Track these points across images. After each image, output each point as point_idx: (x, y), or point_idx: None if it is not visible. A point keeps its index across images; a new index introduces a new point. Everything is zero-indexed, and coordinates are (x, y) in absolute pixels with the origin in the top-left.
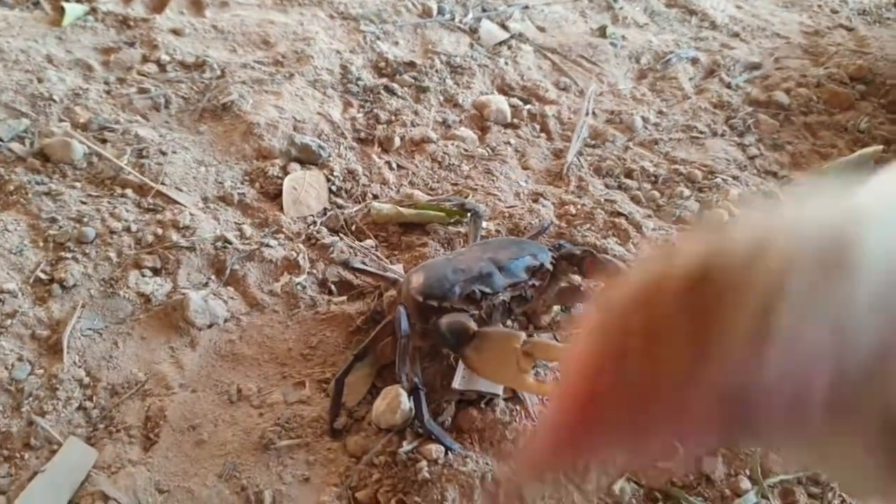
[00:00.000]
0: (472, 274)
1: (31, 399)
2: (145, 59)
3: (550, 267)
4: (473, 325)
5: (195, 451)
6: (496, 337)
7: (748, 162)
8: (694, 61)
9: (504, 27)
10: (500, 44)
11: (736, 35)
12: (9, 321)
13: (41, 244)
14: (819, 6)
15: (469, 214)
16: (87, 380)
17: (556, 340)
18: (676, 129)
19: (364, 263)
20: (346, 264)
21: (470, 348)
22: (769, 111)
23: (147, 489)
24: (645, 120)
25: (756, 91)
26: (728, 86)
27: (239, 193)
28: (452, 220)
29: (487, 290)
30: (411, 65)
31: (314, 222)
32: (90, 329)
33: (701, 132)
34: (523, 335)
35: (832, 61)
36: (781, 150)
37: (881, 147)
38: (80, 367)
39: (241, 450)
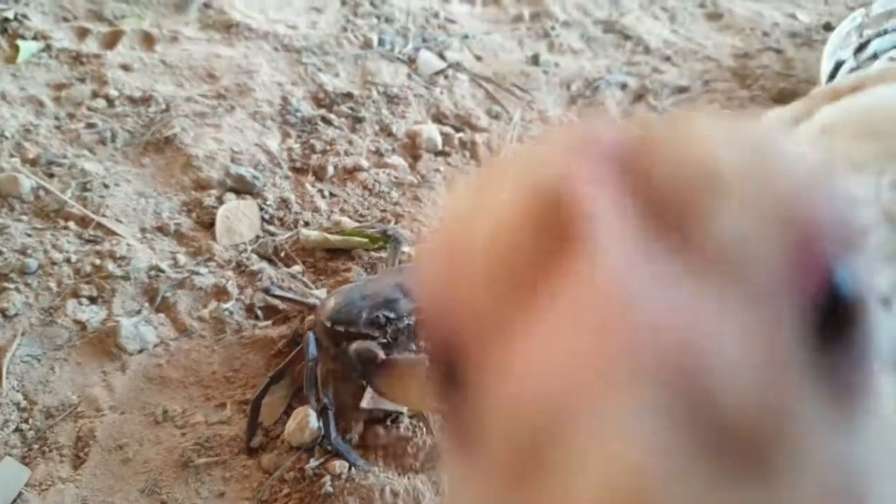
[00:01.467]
0: (378, 300)
1: None
2: (95, 95)
3: None
4: (381, 354)
5: (121, 468)
6: (403, 365)
7: None
8: (623, 86)
9: (442, 57)
10: (437, 73)
11: (668, 59)
12: None
13: None
14: (752, 28)
15: (390, 240)
16: (24, 403)
17: None
18: None
19: (285, 290)
20: (266, 291)
21: (377, 376)
22: None
23: None
24: None
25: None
26: (655, 109)
27: (175, 223)
28: (376, 246)
29: (392, 315)
30: (349, 96)
31: (245, 249)
32: (29, 355)
33: None
34: (427, 361)
35: (758, 84)
36: None
37: None
38: (18, 391)
39: (164, 467)
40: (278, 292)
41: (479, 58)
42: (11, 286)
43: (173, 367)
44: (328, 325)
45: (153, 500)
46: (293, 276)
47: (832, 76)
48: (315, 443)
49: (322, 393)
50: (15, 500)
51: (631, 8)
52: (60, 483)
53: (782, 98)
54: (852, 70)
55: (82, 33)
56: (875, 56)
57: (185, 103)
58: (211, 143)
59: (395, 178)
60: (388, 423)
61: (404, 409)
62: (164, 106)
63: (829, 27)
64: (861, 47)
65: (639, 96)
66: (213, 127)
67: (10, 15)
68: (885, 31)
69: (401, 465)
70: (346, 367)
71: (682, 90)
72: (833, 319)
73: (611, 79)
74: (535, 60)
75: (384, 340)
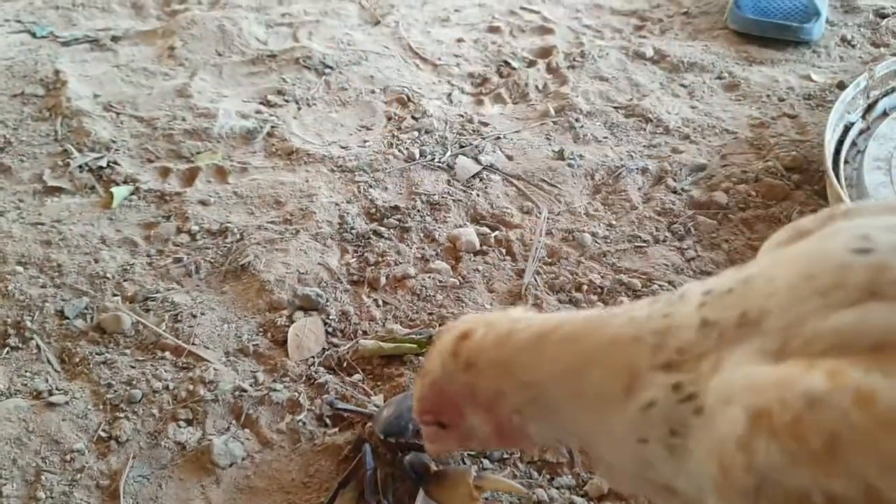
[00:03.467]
0: None
1: None
2: (179, 231)
3: None
4: (432, 465)
5: None
6: (451, 474)
7: (685, 265)
8: (643, 171)
9: (477, 160)
10: (473, 176)
11: (686, 137)
12: (79, 475)
13: (101, 407)
14: (767, 95)
15: None
16: None
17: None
18: (623, 241)
19: (347, 402)
20: (330, 405)
21: (430, 484)
22: (709, 212)
23: None
24: (594, 235)
25: (698, 192)
26: (674, 191)
27: (254, 344)
28: (423, 350)
29: None
30: (396, 208)
31: (313, 363)
32: (140, 476)
33: (644, 241)
34: (473, 470)
35: (772, 153)
36: (718, 248)
37: None
38: None
39: None
40: (340, 405)
41: (510, 157)
42: (122, 415)
43: (259, 477)
44: (382, 436)
45: None
46: (354, 385)
47: (841, 141)
48: None
49: (382, 496)
50: None
51: (651, 88)
52: None
53: (795, 166)
54: (862, 132)
55: (164, 172)
56: (885, 114)
57: (256, 231)
58: (280, 268)
59: (440, 281)
60: None
61: None
62: (238, 235)
63: (842, 86)
64: (869, 108)
65: (658, 179)
66: (281, 251)
67: (103, 163)
68: (894, 90)
69: None
70: (403, 473)
71: (699, 168)
72: None
73: (632, 165)
74: (560, 155)
75: None
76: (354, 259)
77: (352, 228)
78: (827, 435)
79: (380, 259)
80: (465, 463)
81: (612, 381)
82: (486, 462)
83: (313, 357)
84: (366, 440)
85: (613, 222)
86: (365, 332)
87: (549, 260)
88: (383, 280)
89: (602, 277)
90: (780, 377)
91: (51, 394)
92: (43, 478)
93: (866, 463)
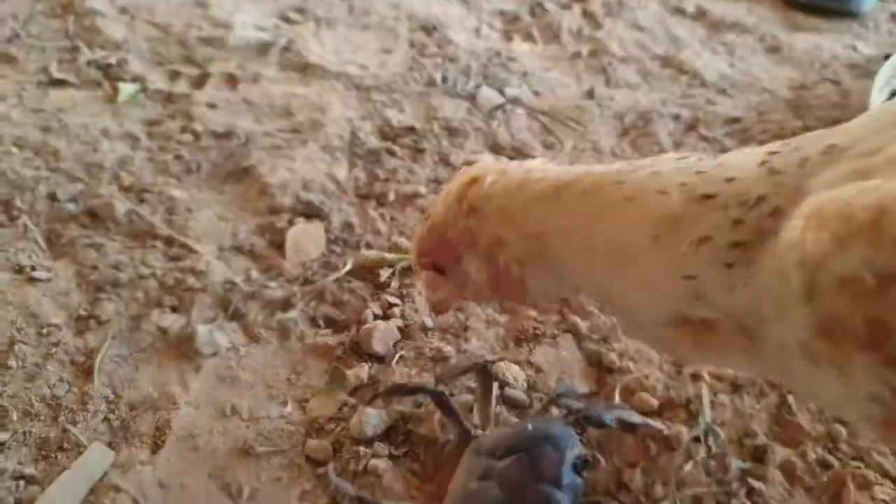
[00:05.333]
0: None
1: (66, 411)
2: (183, 130)
3: (588, 454)
4: None
5: (191, 454)
6: None
7: None
8: (676, 117)
9: (501, 93)
10: (496, 108)
11: (723, 91)
12: (54, 349)
13: (84, 287)
14: (810, 61)
15: (479, 375)
16: (111, 397)
17: None
18: None
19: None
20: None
21: None
22: None
23: (151, 484)
24: None
25: (732, 143)
26: (706, 139)
27: (250, 243)
28: None
29: None
30: (412, 129)
31: (311, 267)
32: (118, 356)
33: None
34: None
35: (812, 114)
36: None
37: None
38: (107, 386)
39: (229, 454)
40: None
41: (537, 93)
42: (105, 296)
43: (242, 370)
44: None
45: (218, 482)
46: (352, 291)
47: None
48: None
49: None
50: (101, 479)
51: (690, 43)
52: (140, 465)
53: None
54: None
55: (174, 75)
56: None
57: (262, 137)
58: (285, 173)
59: None
60: None
61: None
62: (243, 140)
63: (889, 58)
64: None
65: (691, 127)
66: (287, 158)
67: (112, 61)
68: None
69: None
70: None
71: (734, 121)
72: None
73: (664, 111)
74: (590, 95)
75: None
76: (364, 174)
77: (363, 144)
78: (873, 209)
79: (390, 176)
80: None
81: (638, 231)
82: None
83: (311, 262)
84: None
85: None
86: (368, 245)
87: None
88: (392, 196)
89: None
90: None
91: (33, 269)
92: (16, 348)
93: None
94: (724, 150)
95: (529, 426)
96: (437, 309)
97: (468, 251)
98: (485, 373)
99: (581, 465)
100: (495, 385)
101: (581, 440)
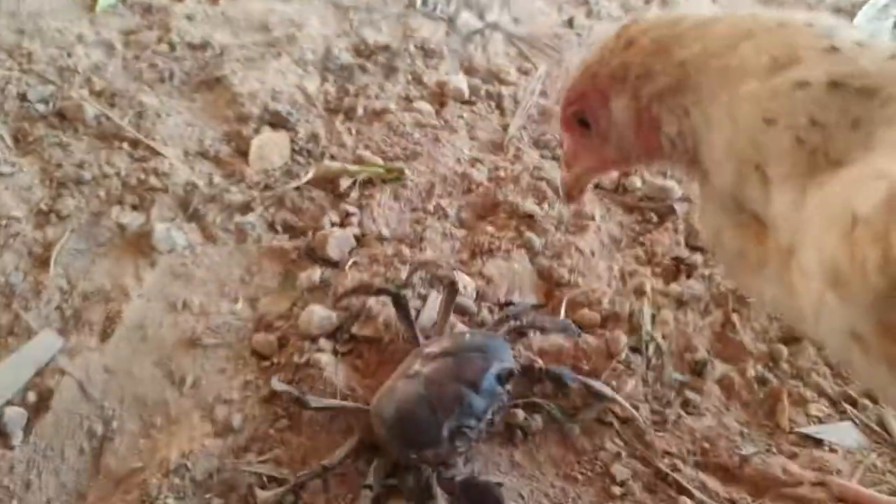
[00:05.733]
0: (452, 409)
1: (19, 299)
2: (160, 41)
3: (518, 366)
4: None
5: (140, 344)
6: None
7: None
8: None
9: (481, 17)
10: (474, 32)
11: None
12: (12, 240)
13: (47, 183)
14: (794, 2)
15: (445, 287)
16: (66, 287)
17: None
18: None
19: (324, 399)
20: (302, 404)
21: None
22: None
23: (97, 369)
24: None
25: None
26: None
27: (215, 149)
28: (391, 175)
29: (473, 422)
30: (386, 48)
31: (273, 175)
32: (75, 249)
33: None
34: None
35: None
36: None
37: None
38: (62, 277)
39: (176, 345)
40: (315, 404)
41: (516, 20)
42: (67, 192)
43: (197, 267)
44: (409, 454)
45: (163, 370)
46: (312, 199)
47: None
48: None
49: None
50: (49, 363)
51: None
52: (88, 352)
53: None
54: None
55: None
56: None
57: (237, 49)
58: (255, 84)
59: (420, 121)
60: None
61: None
62: (218, 51)
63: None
64: None
65: None
66: (259, 70)
67: None
68: None
69: None
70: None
71: None
72: None
73: None
74: (569, 24)
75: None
76: (334, 88)
77: (337, 59)
78: None
79: (360, 91)
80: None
81: (763, 53)
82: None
83: (274, 170)
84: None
85: None
86: (332, 157)
87: (540, 119)
88: (360, 111)
89: None
90: None
91: None
92: None
93: None
94: None
95: (468, 336)
96: (571, 191)
97: (618, 88)
98: (451, 288)
99: (505, 377)
100: (444, 292)
101: (516, 356)
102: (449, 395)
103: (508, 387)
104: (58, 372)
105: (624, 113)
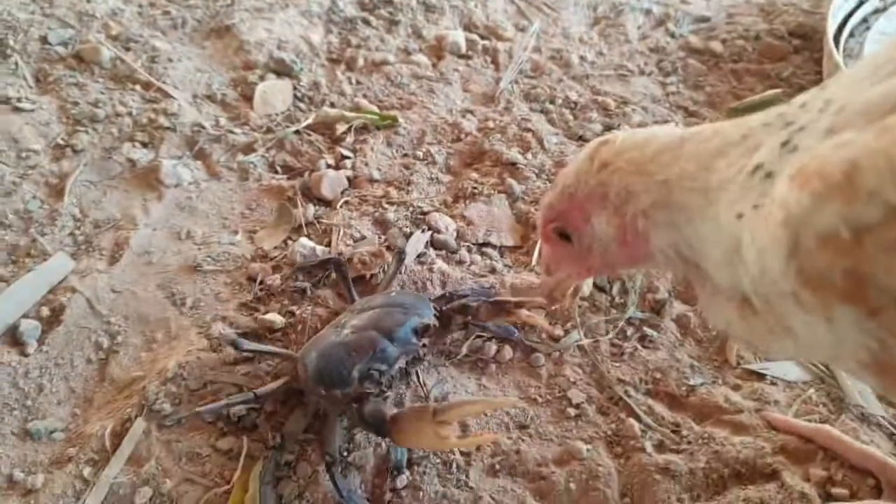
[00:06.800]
0: (365, 353)
1: (36, 224)
2: None
3: (436, 322)
4: (387, 411)
5: (145, 268)
6: (411, 415)
7: (664, 97)
8: (647, 12)
9: None
10: None
11: None
12: (30, 171)
13: (64, 119)
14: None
15: (395, 254)
16: (78, 215)
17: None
18: (609, 68)
19: (258, 343)
20: (235, 345)
21: (392, 431)
22: (702, 57)
23: (104, 288)
24: (583, 59)
25: (696, 39)
26: (672, 35)
27: (222, 94)
28: (385, 122)
29: (384, 367)
30: (389, 2)
31: (276, 119)
32: (88, 181)
33: (630, 70)
34: (432, 406)
35: (780, 18)
36: (700, 89)
37: (780, 90)
38: (75, 206)
39: (178, 270)
40: (247, 346)
41: None
42: (82, 129)
43: (201, 201)
44: (322, 391)
45: (165, 292)
46: (310, 143)
47: (853, 14)
48: None
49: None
50: (61, 282)
51: None
52: (97, 273)
53: (799, 32)
54: (877, 11)
55: None
56: None
57: (247, 0)
58: (262, 33)
59: (417, 73)
60: None
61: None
62: (229, 1)
63: None
64: None
65: (660, 22)
66: (267, 20)
67: None
68: None
69: None
70: (365, 425)
71: (703, 20)
72: None
73: (637, 5)
74: None
75: (380, 392)
76: (337, 40)
77: (341, 12)
78: (846, 164)
79: (362, 43)
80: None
81: (735, 167)
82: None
83: (277, 114)
84: (290, 385)
85: (605, 51)
86: (332, 104)
87: (532, 74)
88: (361, 62)
89: (579, 95)
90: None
91: (19, 101)
92: None
93: (882, 180)
94: (688, 46)
95: (394, 293)
96: (553, 295)
97: (598, 206)
98: (399, 257)
99: (422, 330)
100: (428, 232)
101: (436, 315)
102: (364, 342)
103: (424, 341)
104: (69, 290)
105: (607, 228)
